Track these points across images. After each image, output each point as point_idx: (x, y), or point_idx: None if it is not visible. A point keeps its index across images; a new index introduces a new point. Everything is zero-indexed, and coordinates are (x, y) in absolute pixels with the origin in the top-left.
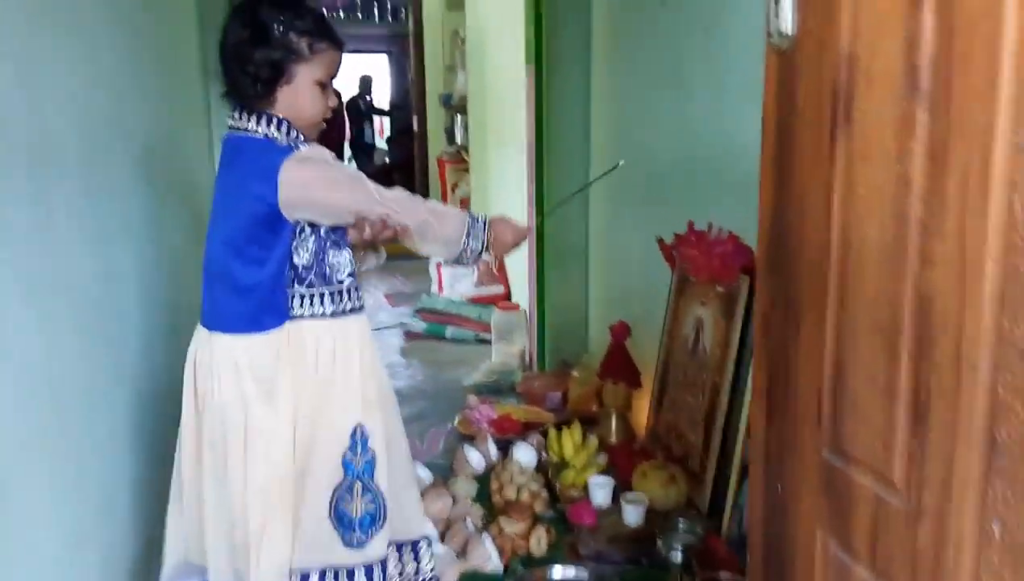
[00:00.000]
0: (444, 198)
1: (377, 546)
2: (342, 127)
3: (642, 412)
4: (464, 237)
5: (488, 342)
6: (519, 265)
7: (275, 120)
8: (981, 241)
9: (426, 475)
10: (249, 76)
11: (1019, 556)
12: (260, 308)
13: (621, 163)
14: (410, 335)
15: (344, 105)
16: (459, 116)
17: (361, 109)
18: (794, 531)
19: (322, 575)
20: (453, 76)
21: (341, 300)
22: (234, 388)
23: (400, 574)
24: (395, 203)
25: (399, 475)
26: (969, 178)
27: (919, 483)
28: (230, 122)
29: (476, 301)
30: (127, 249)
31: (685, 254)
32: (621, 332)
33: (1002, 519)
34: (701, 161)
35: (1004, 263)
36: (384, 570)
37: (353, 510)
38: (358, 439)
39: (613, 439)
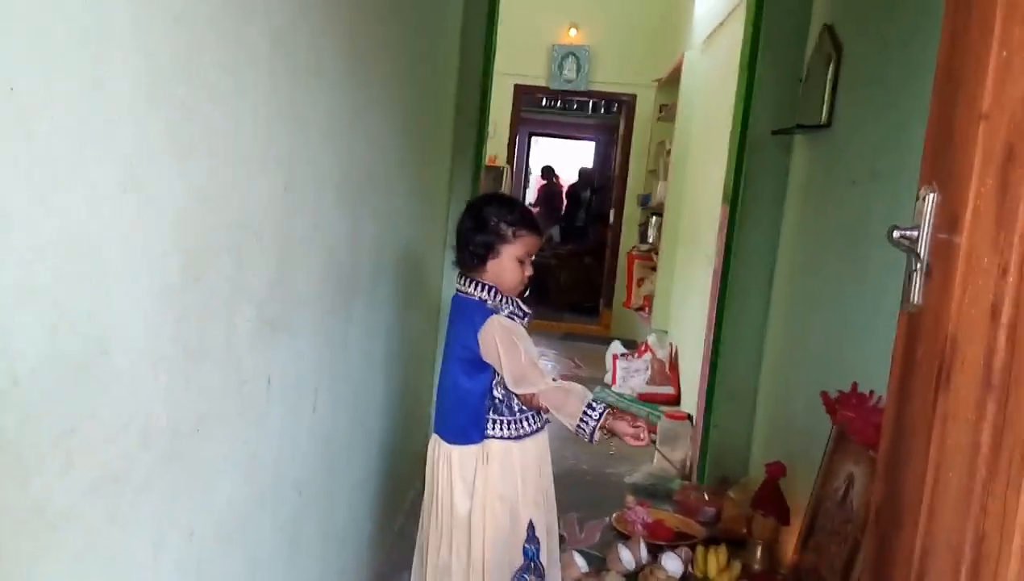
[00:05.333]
0: (629, 290)
1: None
2: (559, 209)
3: (788, 546)
4: (579, 419)
5: (653, 443)
6: (693, 373)
7: (485, 286)
8: (1015, 508)
9: (582, 564)
10: (469, 252)
11: None
12: (469, 423)
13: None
14: None
15: (565, 192)
16: (654, 218)
17: (579, 198)
18: None
19: None
20: (653, 181)
21: (520, 426)
22: (447, 484)
23: None
24: (544, 386)
25: (552, 556)
26: (1012, 461)
27: None
28: (456, 286)
29: (644, 398)
30: (380, 344)
31: (844, 413)
32: (777, 471)
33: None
34: (871, 330)
35: None
36: None
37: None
38: (531, 532)
39: (757, 567)
